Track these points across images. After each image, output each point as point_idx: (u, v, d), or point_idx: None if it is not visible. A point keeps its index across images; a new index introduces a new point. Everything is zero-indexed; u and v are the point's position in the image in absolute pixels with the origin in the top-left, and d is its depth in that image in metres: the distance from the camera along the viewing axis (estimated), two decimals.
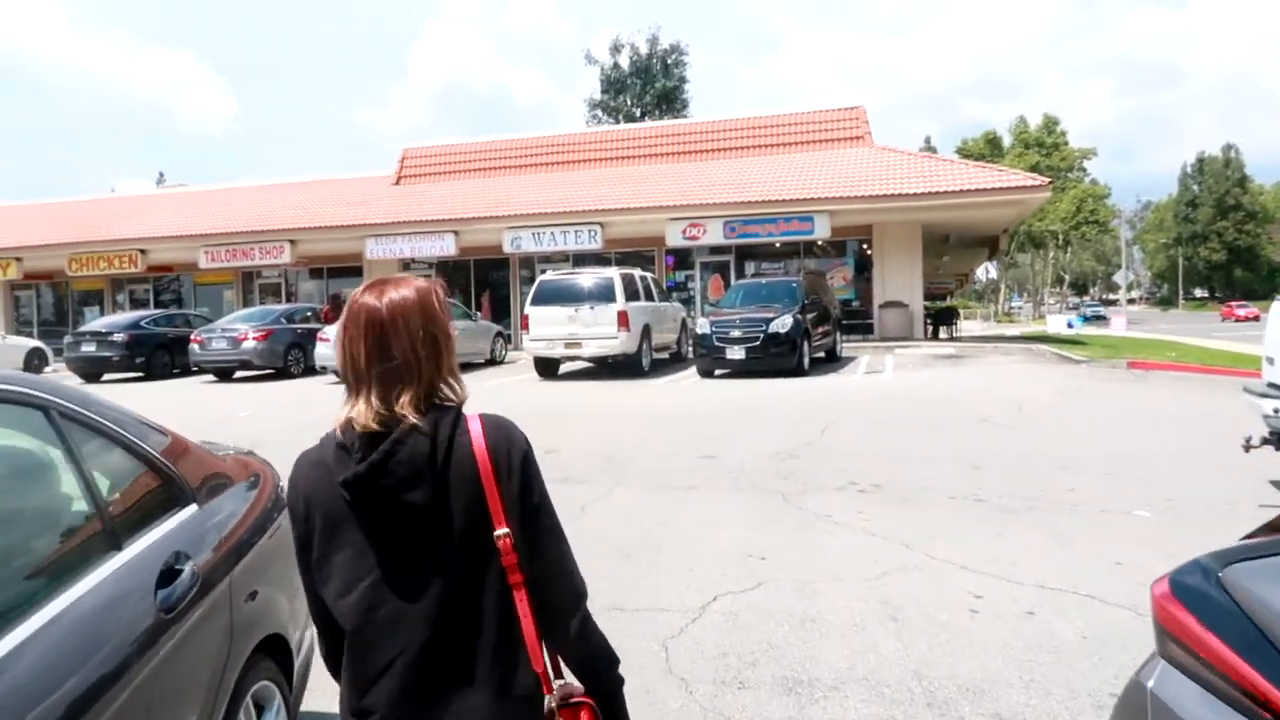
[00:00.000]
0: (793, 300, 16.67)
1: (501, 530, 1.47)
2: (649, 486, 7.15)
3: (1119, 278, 58.92)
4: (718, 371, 16.32)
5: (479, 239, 24.23)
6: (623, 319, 16.18)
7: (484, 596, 1.48)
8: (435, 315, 1.53)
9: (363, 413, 1.48)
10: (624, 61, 55.44)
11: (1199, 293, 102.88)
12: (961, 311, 41.76)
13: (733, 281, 22.95)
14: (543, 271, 18.98)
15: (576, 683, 1.58)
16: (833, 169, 23.09)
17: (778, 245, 23.85)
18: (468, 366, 19.91)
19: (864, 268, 23.98)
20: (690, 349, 18.69)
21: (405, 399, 1.48)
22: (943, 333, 28.89)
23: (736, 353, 15.69)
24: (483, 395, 14.60)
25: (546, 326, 16.55)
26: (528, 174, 27.79)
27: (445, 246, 24.11)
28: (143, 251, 26.82)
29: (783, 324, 15.68)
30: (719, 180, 23.51)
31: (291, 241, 25.43)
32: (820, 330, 17.31)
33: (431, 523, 1.47)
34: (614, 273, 16.81)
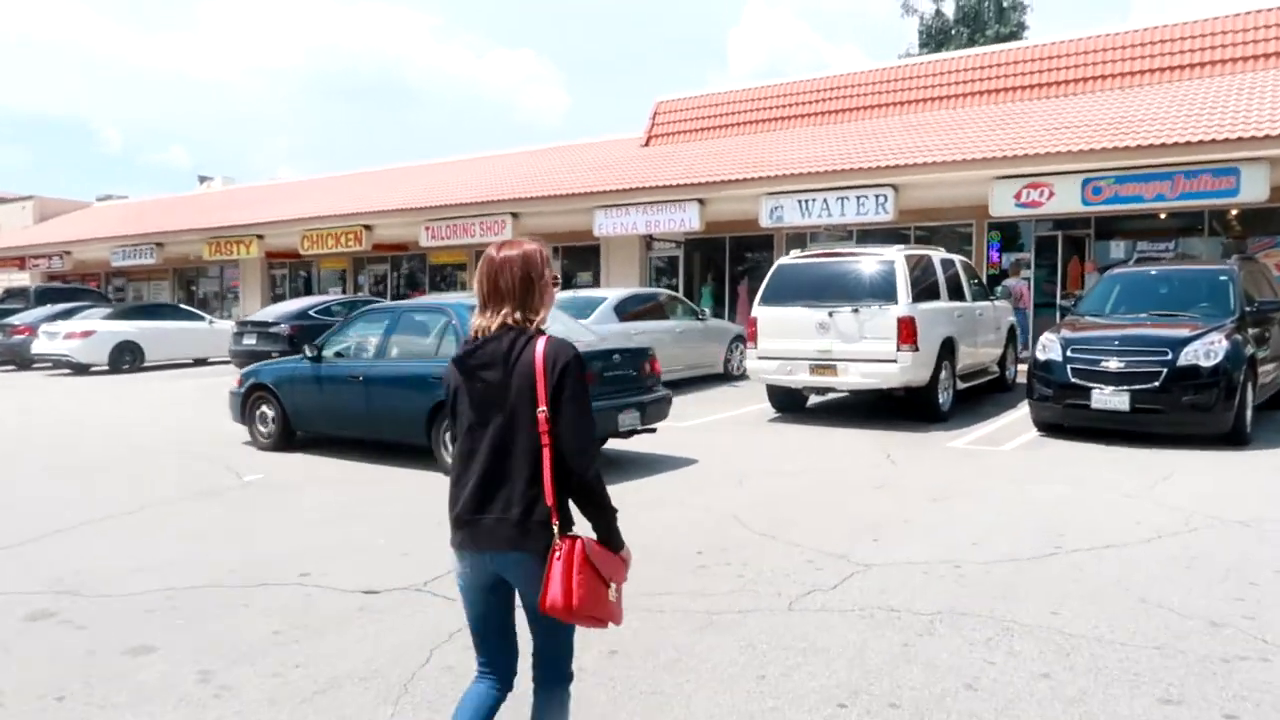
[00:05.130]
0: (1223, 307, 9.39)
1: (542, 408, 2.40)
2: None
3: None
4: (1069, 423, 9.43)
5: (730, 208, 18.43)
6: (906, 330, 9.82)
7: (523, 447, 2.43)
8: (534, 266, 2.50)
9: (478, 324, 2.52)
10: (949, 8, 46.88)
11: None
12: None
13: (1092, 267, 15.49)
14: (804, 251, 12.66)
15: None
16: (1271, 99, 14.77)
17: (1162, 216, 15.96)
18: (694, 382, 14.32)
19: None
20: (1022, 379, 11.82)
21: (498, 319, 2.48)
22: None
23: (1112, 398, 8.74)
24: (671, 447, 8.73)
25: (783, 339, 10.53)
26: (799, 126, 21.49)
27: (687, 220, 18.54)
28: (367, 228, 23.83)
29: (1207, 349, 8.52)
30: (1073, 120, 15.96)
31: (514, 214, 21.14)
32: (1271, 362, 9.82)
33: (499, 394, 2.45)
34: (895, 254, 10.43)
